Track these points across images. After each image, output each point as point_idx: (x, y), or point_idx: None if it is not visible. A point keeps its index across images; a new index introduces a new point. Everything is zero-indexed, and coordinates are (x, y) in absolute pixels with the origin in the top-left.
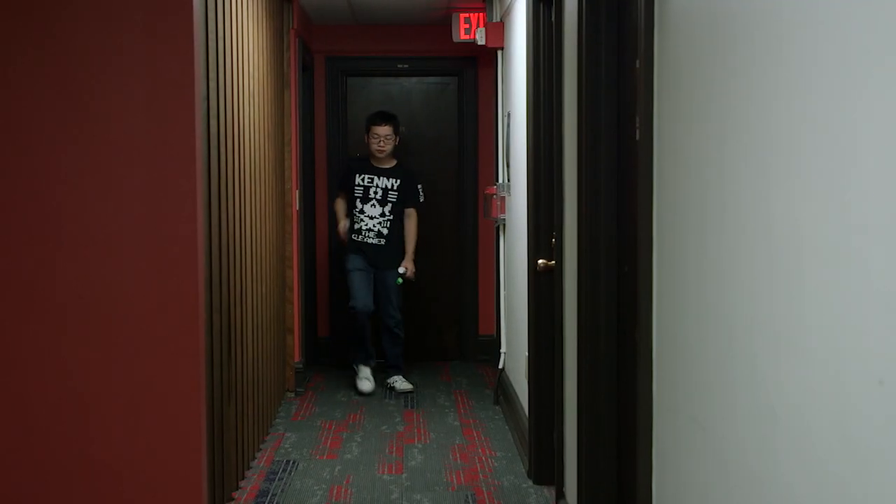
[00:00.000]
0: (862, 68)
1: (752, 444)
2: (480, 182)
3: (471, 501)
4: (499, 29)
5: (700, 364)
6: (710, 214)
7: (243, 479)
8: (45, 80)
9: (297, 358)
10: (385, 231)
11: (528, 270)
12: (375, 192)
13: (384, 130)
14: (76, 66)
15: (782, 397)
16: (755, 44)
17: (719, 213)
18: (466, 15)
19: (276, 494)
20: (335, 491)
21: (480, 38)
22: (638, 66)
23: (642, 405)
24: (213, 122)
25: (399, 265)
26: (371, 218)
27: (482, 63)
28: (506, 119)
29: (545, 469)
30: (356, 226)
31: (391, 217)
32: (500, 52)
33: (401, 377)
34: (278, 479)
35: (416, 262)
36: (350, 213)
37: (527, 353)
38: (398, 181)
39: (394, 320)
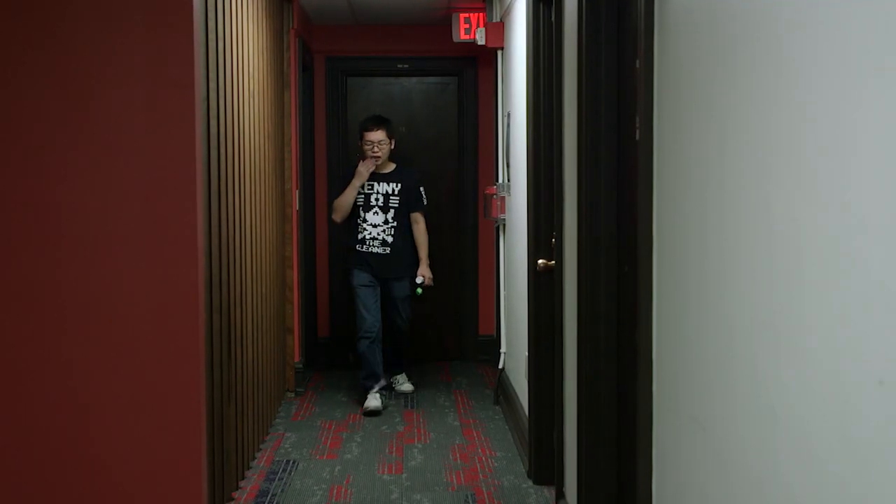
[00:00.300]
0: (862, 68)
1: (752, 444)
2: (480, 182)
3: (471, 501)
4: (499, 29)
5: (700, 364)
6: (710, 214)
7: (243, 479)
8: (45, 81)
9: (297, 358)
10: (390, 239)
11: (528, 270)
12: (377, 199)
13: (377, 136)
14: (76, 67)
15: (782, 397)
16: (755, 43)
17: (719, 212)
18: (466, 15)
19: (276, 494)
20: (335, 491)
21: (480, 38)
22: (638, 66)
23: (642, 405)
24: (213, 122)
25: (406, 274)
26: (374, 226)
27: (482, 63)
28: (506, 119)
29: (545, 469)
30: (359, 235)
31: (395, 224)
32: (500, 52)
33: (403, 376)
34: (278, 479)
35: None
36: (353, 223)
37: (527, 353)
38: (398, 185)
39: (399, 329)
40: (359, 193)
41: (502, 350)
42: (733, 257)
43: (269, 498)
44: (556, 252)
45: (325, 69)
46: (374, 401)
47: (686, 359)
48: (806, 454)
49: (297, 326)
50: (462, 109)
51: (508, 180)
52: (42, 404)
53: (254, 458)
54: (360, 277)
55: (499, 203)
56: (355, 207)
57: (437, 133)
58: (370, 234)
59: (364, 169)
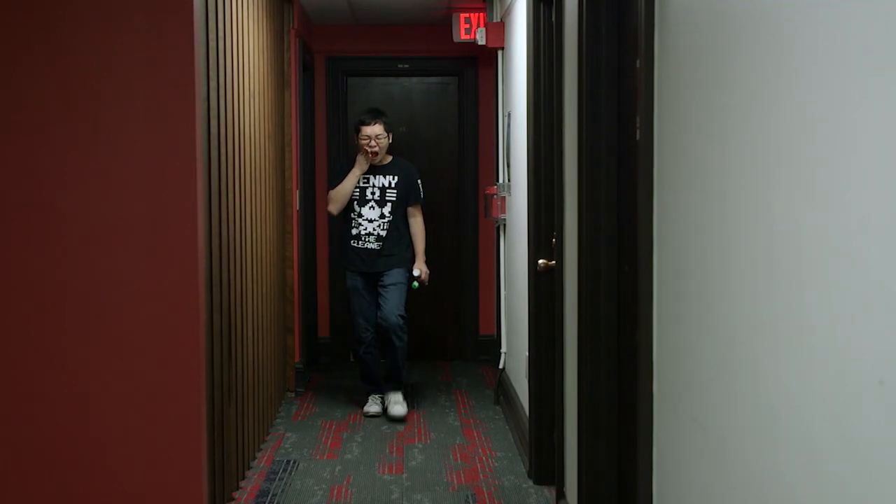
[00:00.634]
0: (862, 68)
1: (753, 444)
2: (481, 182)
3: (471, 501)
4: (499, 29)
5: (700, 364)
6: (711, 214)
7: (244, 478)
8: (45, 81)
9: (297, 358)
10: (383, 234)
11: (528, 270)
12: (373, 193)
13: (375, 129)
14: (77, 67)
15: (783, 397)
16: (755, 43)
17: (720, 213)
18: (467, 15)
19: (276, 494)
20: (335, 491)
21: (481, 38)
22: (638, 65)
23: (643, 405)
24: (213, 122)
25: (399, 265)
26: (370, 221)
27: (482, 63)
28: (506, 119)
29: (546, 469)
30: (353, 231)
31: (390, 218)
32: (500, 52)
33: (398, 396)
34: (279, 479)
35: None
36: (348, 218)
37: (527, 353)
38: (395, 178)
39: (392, 326)
40: (354, 188)
41: (503, 350)
42: (733, 257)
43: (269, 498)
44: (557, 252)
45: (326, 69)
46: (374, 405)
47: (686, 359)
48: (806, 454)
49: (297, 326)
50: (462, 109)
51: (509, 180)
52: (42, 404)
53: (254, 458)
54: (353, 280)
55: (499, 203)
56: (350, 202)
57: (438, 133)
58: (365, 229)
59: (364, 158)
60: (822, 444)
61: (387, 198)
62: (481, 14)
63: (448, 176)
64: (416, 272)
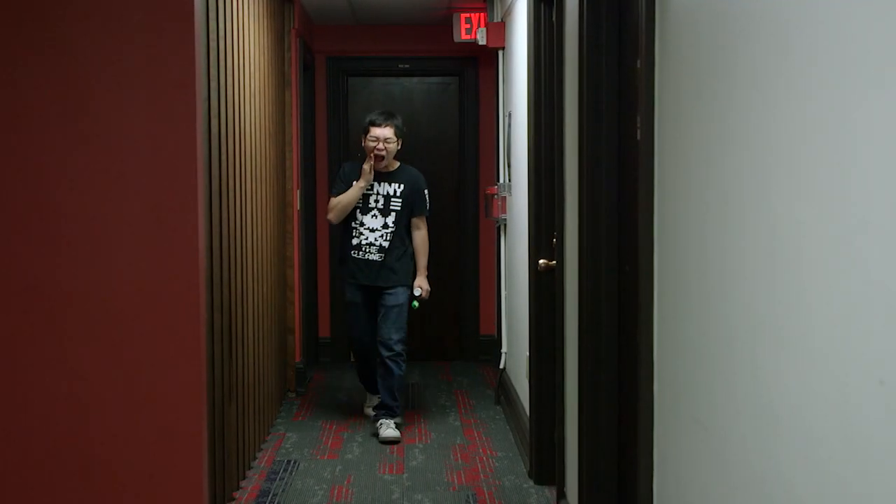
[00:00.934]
0: (863, 68)
1: (754, 443)
2: (481, 182)
3: (472, 501)
4: (500, 29)
5: (701, 364)
6: (711, 214)
7: (244, 478)
8: (46, 81)
9: (297, 358)
10: (386, 244)
11: (528, 270)
12: (376, 201)
13: (384, 132)
14: (77, 67)
15: (783, 397)
16: (756, 43)
17: (720, 212)
18: (467, 15)
19: (276, 494)
20: (336, 491)
21: (481, 38)
22: (639, 65)
23: (643, 405)
24: (214, 122)
25: (402, 284)
26: (372, 231)
27: (483, 63)
28: (507, 119)
29: (546, 469)
30: (354, 241)
31: (394, 229)
32: (500, 52)
33: (389, 421)
34: (279, 479)
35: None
36: (349, 227)
37: (528, 353)
38: (401, 186)
39: (389, 351)
40: None
41: (503, 350)
42: (734, 257)
43: (270, 498)
44: (557, 252)
45: (326, 69)
46: (389, 430)
47: (687, 359)
48: (807, 454)
49: (297, 326)
50: (463, 109)
51: (509, 180)
52: (42, 404)
53: (255, 458)
54: (351, 293)
55: (500, 203)
56: (352, 210)
57: (438, 133)
58: (367, 239)
59: (369, 168)
60: (823, 444)
61: (391, 207)
62: (482, 14)
63: (449, 176)
64: (416, 291)
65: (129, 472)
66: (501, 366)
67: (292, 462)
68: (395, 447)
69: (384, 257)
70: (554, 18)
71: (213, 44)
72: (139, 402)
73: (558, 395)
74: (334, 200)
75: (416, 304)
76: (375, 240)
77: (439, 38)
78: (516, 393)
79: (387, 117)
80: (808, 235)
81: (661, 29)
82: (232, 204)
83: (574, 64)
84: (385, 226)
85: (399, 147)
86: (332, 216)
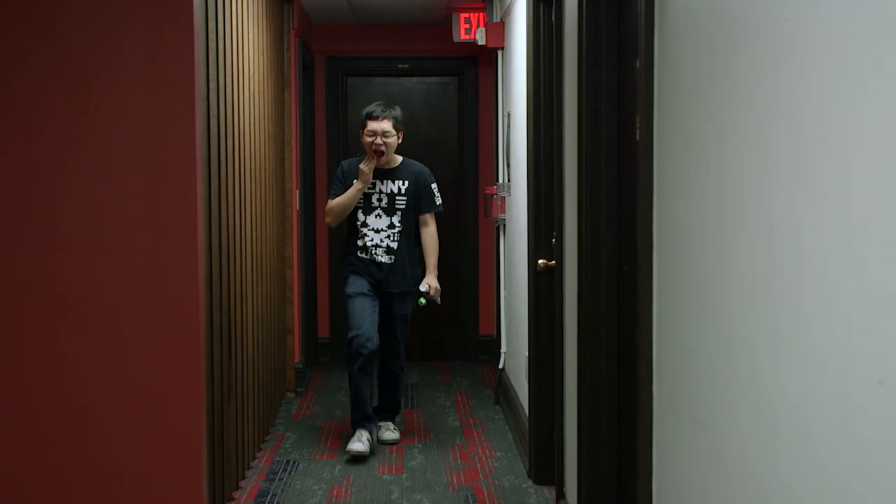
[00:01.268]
0: (862, 68)
1: (753, 443)
2: (481, 182)
3: (471, 501)
4: (499, 29)
5: (700, 364)
6: (711, 214)
7: (243, 478)
8: (45, 81)
9: (297, 358)
10: (394, 246)
11: (528, 270)
12: (380, 200)
13: (383, 125)
14: (77, 67)
15: (783, 397)
16: (756, 43)
17: (720, 212)
18: (467, 15)
19: (276, 494)
20: (335, 491)
21: (481, 38)
22: (638, 65)
23: (643, 405)
24: (213, 122)
25: (413, 289)
26: (377, 231)
27: (482, 63)
28: (506, 119)
29: (545, 469)
30: (359, 242)
31: (400, 228)
32: (500, 52)
33: (390, 424)
34: (278, 479)
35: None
36: (353, 229)
37: (527, 353)
38: (406, 183)
39: (397, 361)
40: None
41: (502, 350)
42: (733, 257)
43: (269, 498)
44: (557, 252)
45: (326, 69)
46: (359, 443)
47: (686, 359)
48: (806, 454)
49: (297, 326)
50: (462, 109)
51: (509, 180)
52: (42, 404)
53: (254, 458)
54: (357, 284)
55: (499, 203)
56: (354, 210)
57: (438, 133)
58: (372, 240)
59: (367, 168)
60: (823, 444)
61: (396, 205)
62: (481, 14)
63: (448, 176)
64: (423, 287)
65: (129, 472)
66: (501, 366)
67: (292, 462)
68: (395, 447)
69: (394, 259)
70: (553, 18)
71: (212, 44)
72: (139, 402)
73: (558, 395)
74: (331, 203)
75: (422, 301)
76: (382, 241)
77: (439, 38)
78: (515, 393)
79: (384, 108)
80: (807, 235)
81: (660, 29)
82: (231, 204)
83: (573, 64)
84: (391, 226)
85: (400, 140)
86: (329, 220)
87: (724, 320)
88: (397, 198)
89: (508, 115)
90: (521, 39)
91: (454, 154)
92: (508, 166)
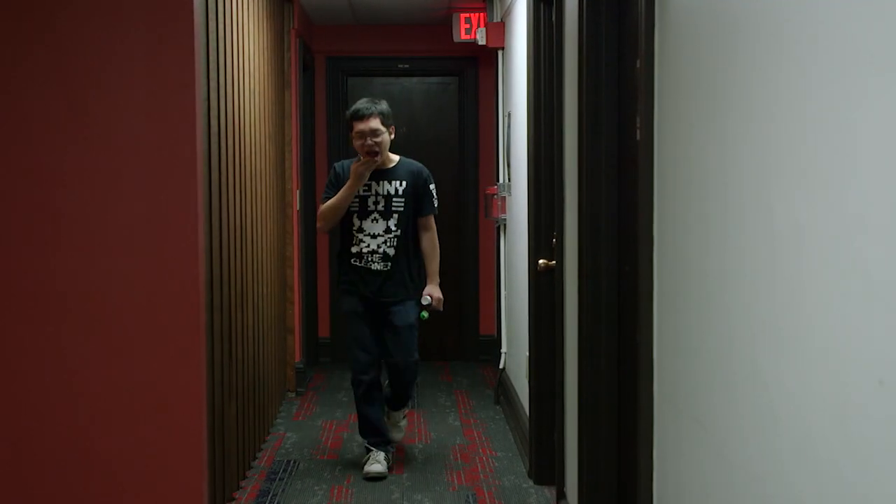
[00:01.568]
0: (863, 68)
1: (753, 443)
2: (481, 182)
3: (471, 501)
4: (499, 29)
5: (701, 364)
6: (711, 214)
7: (244, 478)
8: (45, 81)
9: (297, 358)
10: (391, 252)
11: (528, 270)
12: (376, 203)
13: (370, 124)
14: (77, 67)
15: (783, 397)
16: (756, 43)
17: (720, 212)
18: (467, 15)
19: (276, 494)
20: (336, 491)
21: (481, 38)
22: (639, 65)
23: (643, 405)
24: (213, 122)
25: (412, 297)
26: (374, 237)
27: (483, 63)
28: (506, 119)
29: (546, 469)
30: (354, 248)
31: (398, 232)
32: (500, 52)
33: (401, 414)
34: (279, 479)
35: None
36: (347, 233)
37: (527, 353)
38: (403, 183)
39: (408, 368)
40: (353, 198)
41: (503, 350)
42: (734, 257)
43: (269, 498)
44: (557, 252)
45: (326, 69)
46: (376, 464)
47: (687, 358)
48: (807, 454)
49: (297, 326)
50: (463, 109)
51: (509, 180)
52: (42, 404)
53: (255, 458)
54: (350, 303)
55: (499, 203)
56: (348, 214)
57: (438, 133)
58: (368, 246)
59: (365, 168)
60: (823, 444)
61: (393, 208)
62: (481, 14)
63: (448, 176)
64: (425, 300)
65: (129, 472)
66: (501, 366)
67: (292, 462)
68: (395, 447)
69: (390, 267)
70: (553, 19)
71: (212, 44)
72: (139, 403)
73: (558, 395)
74: (323, 207)
75: (424, 314)
76: (378, 247)
77: (439, 38)
78: (516, 393)
79: (369, 106)
80: (807, 235)
81: (660, 29)
82: (232, 204)
83: (574, 64)
84: (388, 230)
85: (392, 136)
86: (321, 225)
87: (725, 320)
88: (394, 199)
89: (509, 115)
90: (522, 39)
91: (454, 154)
92: (509, 166)
